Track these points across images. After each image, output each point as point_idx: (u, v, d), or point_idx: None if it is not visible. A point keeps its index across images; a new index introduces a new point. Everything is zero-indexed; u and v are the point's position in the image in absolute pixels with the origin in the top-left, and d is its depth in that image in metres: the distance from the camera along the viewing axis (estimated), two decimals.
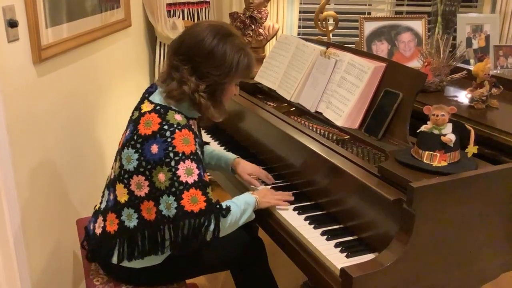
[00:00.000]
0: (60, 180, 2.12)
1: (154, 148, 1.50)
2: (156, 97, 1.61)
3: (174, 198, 1.49)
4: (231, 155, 1.95)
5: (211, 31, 1.58)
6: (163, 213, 1.52)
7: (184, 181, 1.49)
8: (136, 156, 1.54)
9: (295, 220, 1.62)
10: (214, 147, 2.22)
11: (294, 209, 1.68)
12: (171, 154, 1.49)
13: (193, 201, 1.50)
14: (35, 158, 1.88)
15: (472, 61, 2.93)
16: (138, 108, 1.63)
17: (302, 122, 2.01)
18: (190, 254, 1.69)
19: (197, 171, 1.52)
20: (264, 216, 1.72)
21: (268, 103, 2.24)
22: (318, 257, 1.46)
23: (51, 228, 2.04)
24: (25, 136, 1.80)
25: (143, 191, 1.55)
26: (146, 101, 1.62)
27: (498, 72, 2.82)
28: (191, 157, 1.51)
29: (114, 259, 1.62)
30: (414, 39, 2.53)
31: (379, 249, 1.39)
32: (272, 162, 1.96)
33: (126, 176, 1.57)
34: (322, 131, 1.91)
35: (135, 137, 1.55)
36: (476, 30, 3.06)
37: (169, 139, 1.50)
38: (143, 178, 1.54)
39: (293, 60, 2.19)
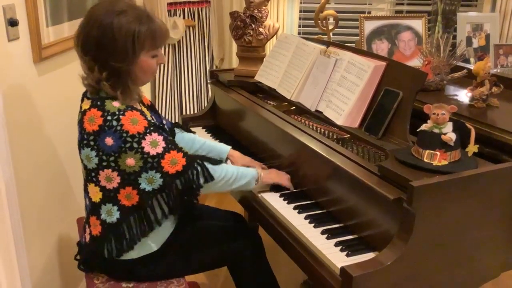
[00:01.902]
0: (60, 178, 2.12)
1: (109, 141, 1.49)
2: None
3: (154, 171, 1.51)
4: (224, 147, 1.97)
5: (100, 13, 1.49)
6: (146, 190, 1.52)
7: (155, 153, 1.51)
8: (94, 153, 1.52)
9: (295, 219, 1.62)
10: None
11: (294, 208, 1.68)
12: (129, 139, 1.49)
13: (173, 162, 1.52)
14: (35, 157, 1.88)
15: (472, 60, 2.94)
16: (80, 108, 1.61)
17: (302, 121, 2.01)
18: (188, 246, 1.69)
19: (161, 138, 1.53)
20: (263, 214, 1.72)
21: (269, 102, 2.24)
22: (318, 256, 1.46)
23: (51, 227, 2.04)
24: (25, 135, 1.80)
25: (115, 182, 1.54)
26: (85, 99, 1.60)
27: (498, 71, 2.83)
28: (148, 131, 1.51)
29: (107, 255, 1.61)
30: (414, 38, 2.53)
31: (380, 248, 1.39)
32: (272, 161, 1.96)
33: (93, 174, 1.56)
34: (322, 130, 1.90)
35: (85, 136, 1.53)
36: (476, 29, 3.06)
37: (118, 127, 1.49)
38: (110, 170, 1.52)
39: (293, 59, 2.18)
